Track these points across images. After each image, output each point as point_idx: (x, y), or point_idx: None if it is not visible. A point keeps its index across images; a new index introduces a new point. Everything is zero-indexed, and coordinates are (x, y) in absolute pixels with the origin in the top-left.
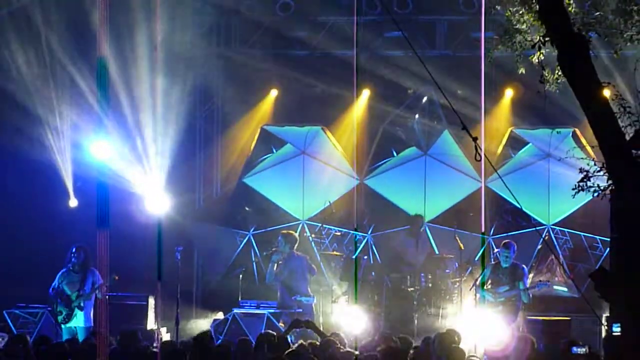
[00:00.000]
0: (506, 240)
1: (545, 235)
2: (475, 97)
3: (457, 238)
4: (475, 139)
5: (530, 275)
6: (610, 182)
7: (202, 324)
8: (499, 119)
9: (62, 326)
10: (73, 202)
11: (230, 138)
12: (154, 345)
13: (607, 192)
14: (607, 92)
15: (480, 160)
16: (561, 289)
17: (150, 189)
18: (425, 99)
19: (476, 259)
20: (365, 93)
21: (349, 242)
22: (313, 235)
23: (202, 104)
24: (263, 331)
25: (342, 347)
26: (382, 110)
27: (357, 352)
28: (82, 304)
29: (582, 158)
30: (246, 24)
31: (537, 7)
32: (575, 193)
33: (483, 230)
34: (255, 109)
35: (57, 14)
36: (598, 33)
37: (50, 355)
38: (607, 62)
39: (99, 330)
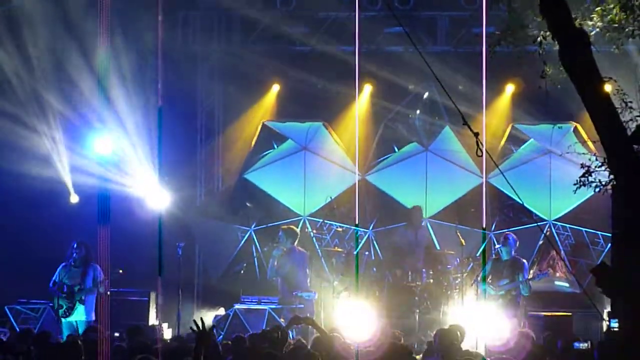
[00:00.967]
0: (506, 234)
1: (547, 231)
2: (476, 92)
3: (459, 234)
4: (476, 135)
5: (531, 271)
6: (611, 177)
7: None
8: (500, 114)
9: (63, 320)
10: (74, 198)
11: (232, 134)
12: (156, 340)
13: (609, 187)
14: (608, 87)
15: (481, 155)
16: (563, 284)
17: (151, 185)
18: (426, 94)
19: (477, 254)
20: (366, 89)
21: (350, 237)
22: (314, 231)
23: (203, 99)
24: (265, 328)
25: (342, 342)
26: (383, 106)
27: (357, 348)
28: (83, 298)
29: (583, 153)
30: (247, 19)
31: (539, 2)
32: (577, 188)
33: (484, 226)
34: (257, 105)
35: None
36: (599, 28)
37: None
38: (608, 57)
39: (100, 325)
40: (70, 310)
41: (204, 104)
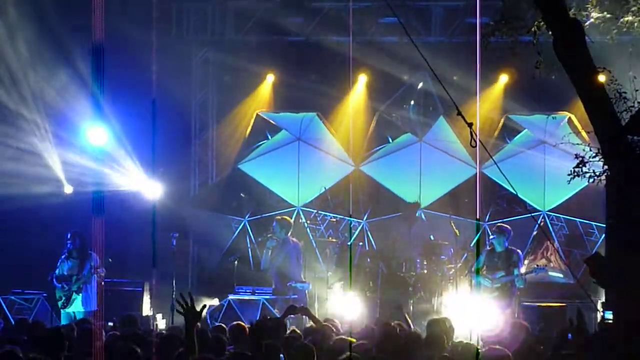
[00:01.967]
0: (499, 225)
1: (541, 222)
2: (470, 83)
3: (452, 224)
4: (470, 125)
5: (526, 262)
6: (605, 167)
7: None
8: (494, 105)
9: (61, 311)
10: (68, 189)
11: (226, 125)
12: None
13: (603, 177)
14: (602, 78)
15: (475, 146)
16: (557, 275)
17: (144, 176)
18: (420, 85)
19: (471, 245)
20: (361, 79)
21: (344, 228)
22: (308, 222)
23: (197, 90)
24: (260, 317)
25: (336, 333)
26: (377, 96)
27: (351, 338)
28: (80, 287)
29: (577, 144)
30: (241, 10)
31: None
32: (571, 179)
33: (478, 216)
34: (250, 96)
35: None
36: (594, 18)
37: (46, 340)
38: (602, 48)
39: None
40: (68, 301)
41: (197, 95)
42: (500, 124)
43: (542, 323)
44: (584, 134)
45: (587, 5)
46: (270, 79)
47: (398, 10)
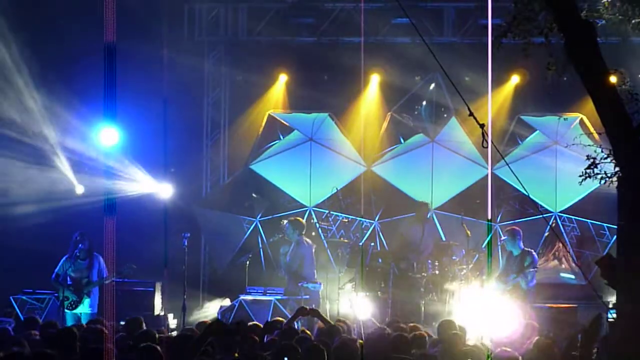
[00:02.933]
0: (509, 228)
1: (552, 223)
2: (482, 84)
3: (464, 225)
4: (482, 126)
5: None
6: (617, 169)
7: (209, 310)
8: (505, 105)
9: (67, 312)
10: (79, 189)
11: (238, 125)
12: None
13: (614, 179)
14: (614, 79)
15: (487, 147)
16: (568, 276)
17: (157, 176)
18: (432, 85)
19: (483, 246)
20: (373, 80)
21: (355, 228)
22: (320, 222)
23: (209, 91)
24: (270, 319)
25: (347, 333)
26: (390, 97)
27: (361, 340)
28: (90, 291)
29: (589, 145)
30: (253, 11)
31: None
32: (583, 180)
33: (490, 217)
34: (263, 96)
35: None
36: (606, 20)
37: (58, 339)
38: (614, 49)
39: (105, 316)
40: (76, 303)
41: (210, 95)
42: (512, 125)
43: (554, 324)
44: (595, 135)
45: (599, 7)
46: (282, 79)
47: (410, 11)
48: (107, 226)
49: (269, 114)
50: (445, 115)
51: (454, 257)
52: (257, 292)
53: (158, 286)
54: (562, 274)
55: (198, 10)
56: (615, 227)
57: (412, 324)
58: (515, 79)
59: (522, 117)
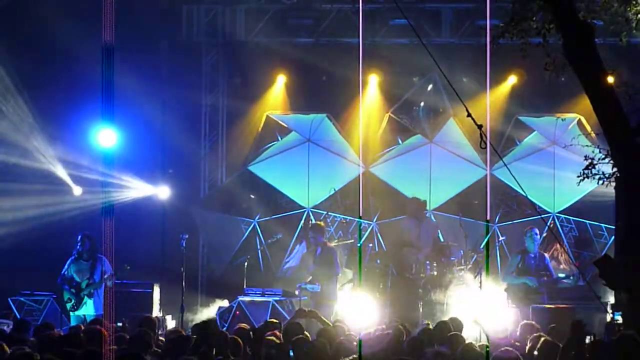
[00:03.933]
0: (530, 227)
1: (551, 223)
2: (480, 84)
3: (462, 226)
4: (480, 127)
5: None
6: (615, 169)
7: (207, 311)
8: (503, 106)
9: (71, 314)
10: (77, 191)
11: (236, 126)
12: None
13: (612, 179)
14: (611, 79)
15: (485, 147)
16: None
17: (154, 178)
18: (430, 86)
19: (481, 246)
20: (371, 81)
21: (354, 229)
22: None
23: (207, 92)
24: (268, 319)
25: (345, 334)
26: (388, 98)
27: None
28: (91, 292)
29: (587, 145)
30: (251, 12)
31: None
32: (580, 180)
33: (488, 218)
34: (260, 97)
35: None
36: (603, 20)
37: (53, 341)
38: (612, 49)
39: (104, 317)
40: (78, 304)
41: (207, 96)
42: (510, 126)
43: (552, 325)
44: (593, 135)
45: (597, 8)
46: (280, 80)
47: (408, 12)
48: (105, 228)
49: (267, 115)
50: (443, 116)
51: (452, 258)
52: (255, 294)
53: (156, 287)
54: (560, 275)
55: (196, 11)
56: (613, 227)
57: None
58: (512, 80)
59: (519, 117)
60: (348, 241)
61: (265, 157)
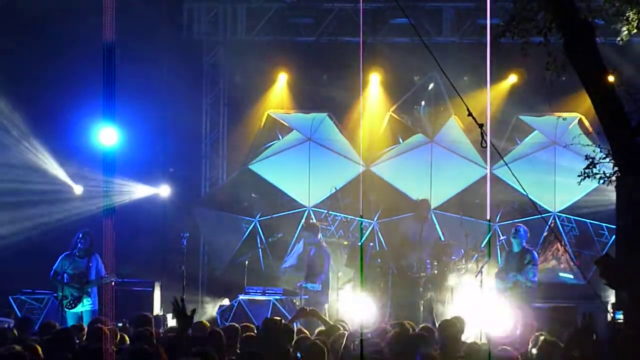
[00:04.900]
0: (515, 225)
1: (551, 223)
2: (481, 83)
3: (463, 224)
4: (481, 126)
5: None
6: (616, 168)
7: (208, 310)
8: (504, 105)
9: (67, 311)
10: (78, 190)
11: (236, 125)
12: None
13: (613, 179)
14: (612, 79)
15: (486, 147)
16: (567, 276)
17: (155, 176)
18: (431, 85)
19: (482, 245)
20: (372, 80)
21: (354, 228)
22: (319, 222)
23: (208, 90)
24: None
25: (347, 333)
26: (389, 97)
27: (360, 338)
28: (89, 290)
29: (587, 145)
30: (252, 10)
31: None
32: (581, 180)
33: (489, 217)
34: (262, 96)
35: None
36: (604, 20)
37: (56, 340)
38: (613, 49)
39: (104, 315)
40: (76, 302)
41: (208, 94)
42: (511, 125)
43: (553, 324)
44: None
45: (598, 7)
46: (281, 79)
47: (409, 11)
48: (105, 227)
49: (268, 114)
50: (444, 115)
51: (453, 257)
52: (256, 292)
53: (157, 286)
54: (561, 274)
55: (197, 9)
56: (614, 227)
57: (410, 322)
58: (513, 79)
59: (520, 117)
60: (344, 242)
61: (266, 156)
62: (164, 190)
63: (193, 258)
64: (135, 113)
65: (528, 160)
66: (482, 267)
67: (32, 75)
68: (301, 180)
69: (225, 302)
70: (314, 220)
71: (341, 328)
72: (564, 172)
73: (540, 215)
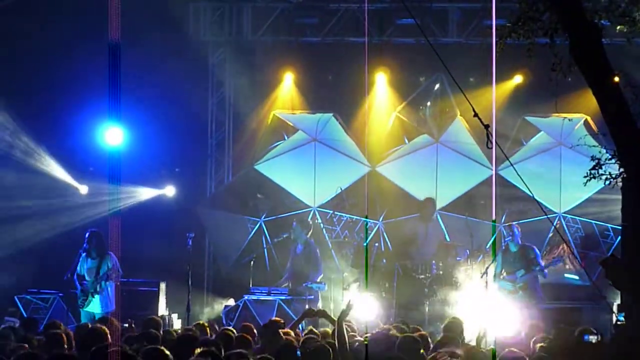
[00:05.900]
0: (509, 224)
1: (557, 223)
2: (486, 84)
3: (469, 225)
4: (487, 127)
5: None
6: (621, 169)
7: (214, 310)
8: (510, 106)
9: (81, 311)
10: (83, 190)
11: (242, 125)
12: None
13: (619, 179)
14: (618, 80)
15: (491, 147)
16: (572, 276)
17: (161, 176)
18: (437, 86)
19: (487, 246)
20: (377, 80)
21: (360, 229)
22: (324, 222)
23: (214, 90)
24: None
25: (352, 333)
26: (394, 97)
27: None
28: (97, 289)
29: (593, 146)
30: (258, 11)
31: None
32: (587, 181)
33: (494, 218)
34: (267, 96)
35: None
36: (610, 20)
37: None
38: (619, 50)
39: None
40: (85, 302)
41: (214, 94)
42: (516, 126)
43: (558, 325)
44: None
45: (604, 7)
46: (287, 79)
47: (415, 12)
48: (111, 227)
49: (274, 114)
50: (450, 116)
51: (458, 258)
52: (261, 292)
53: (162, 286)
54: (567, 275)
55: (203, 9)
56: (620, 227)
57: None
58: (518, 79)
59: (526, 117)
60: (349, 241)
61: (272, 156)
62: (170, 191)
63: (198, 258)
64: (140, 113)
65: (534, 161)
66: (487, 267)
67: (38, 76)
68: (307, 180)
69: (231, 302)
70: (319, 220)
71: (348, 329)
72: (569, 173)
73: (545, 216)
